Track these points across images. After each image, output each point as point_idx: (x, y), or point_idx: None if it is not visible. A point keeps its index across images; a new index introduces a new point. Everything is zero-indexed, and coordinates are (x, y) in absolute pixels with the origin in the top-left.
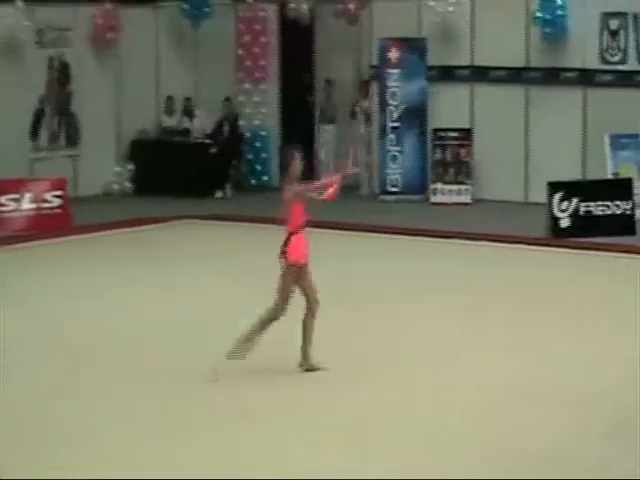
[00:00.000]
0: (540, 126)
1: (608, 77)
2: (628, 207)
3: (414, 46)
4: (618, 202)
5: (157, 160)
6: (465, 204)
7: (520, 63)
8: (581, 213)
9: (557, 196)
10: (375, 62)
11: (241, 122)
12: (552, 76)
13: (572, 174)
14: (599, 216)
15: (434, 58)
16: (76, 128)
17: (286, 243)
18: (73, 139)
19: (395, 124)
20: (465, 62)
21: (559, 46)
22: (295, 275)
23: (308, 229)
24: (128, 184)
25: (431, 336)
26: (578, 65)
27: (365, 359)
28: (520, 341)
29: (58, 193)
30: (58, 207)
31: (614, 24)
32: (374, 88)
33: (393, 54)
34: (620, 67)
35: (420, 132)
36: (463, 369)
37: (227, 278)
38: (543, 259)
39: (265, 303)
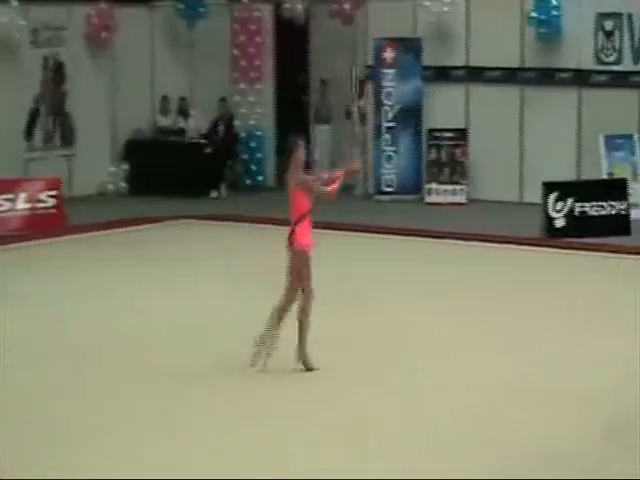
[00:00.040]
0: (535, 126)
1: (603, 77)
2: (623, 207)
3: (409, 46)
4: (613, 202)
5: (152, 160)
6: (460, 204)
7: (515, 63)
8: (576, 213)
9: (552, 196)
10: (370, 62)
11: (236, 122)
12: (547, 76)
13: (567, 174)
14: (594, 216)
15: (429, 58)
16: (71, 128)
17: (293, 230)
18: (68, 139)
19: (390, 124)
20: (460, 62)
21: (554, 46)
22: (304, 260)
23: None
24: (123, 184)
25: (427, 336)
26: (573, 65)
27: (364, 359)
28: (513, 341)
29: (53, 193)
30: (53, 207)
31: (609, 25)
32: (369, 88)
33: (388, 54)
34: (615, 67)
35: (415, 132)
36: (459, 369)
37: (226, 278)
38: (536, 259)
39: (265, 303)
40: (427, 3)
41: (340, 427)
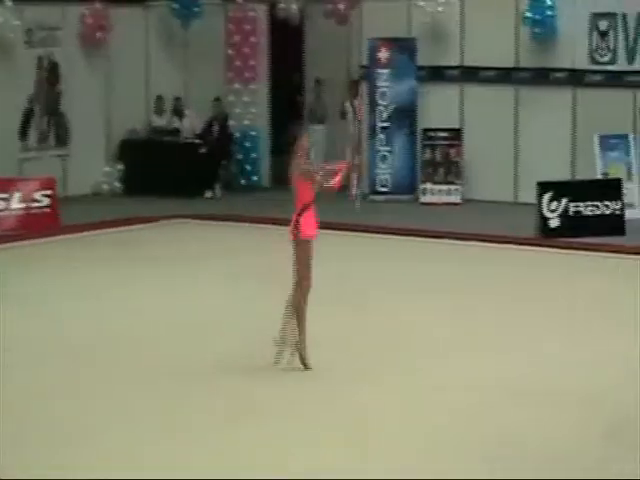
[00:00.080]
0: (530, 126)
1: (597, 77)
2: (617, 207)
3: (404, 46)
4: (607, 202)
5: (146, 160)
6: (455, 204)
7: (510, 63)
8: (570, 213)
9: (546, 196)
10: (365, 62)
11: (231, 122)
12: (542, 76)
13: (561, 174)
14: (588, 216)
15: (424, 58)
16: (65, 128)
17: (297, 219)
18: (62, 139)
19: (385, 124)
20: (455, 62)
21: (549, 46)
22: (309, 249)
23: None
24: (117, 184)
25: (426, 336)
26: (567, 65)
27: (363, 359)
28: (512, 341)
29: (47, 193)
30: (47, 207)
31: (603, 24)
32: (364, 88)
33: (383, 54)
34: (609, 67)
35: (410, 132)
36: (458, 369)
37: (225, 278)
38: (533, 259)
39: (264, 303)
40: (421, 3)
41: (340, 427)
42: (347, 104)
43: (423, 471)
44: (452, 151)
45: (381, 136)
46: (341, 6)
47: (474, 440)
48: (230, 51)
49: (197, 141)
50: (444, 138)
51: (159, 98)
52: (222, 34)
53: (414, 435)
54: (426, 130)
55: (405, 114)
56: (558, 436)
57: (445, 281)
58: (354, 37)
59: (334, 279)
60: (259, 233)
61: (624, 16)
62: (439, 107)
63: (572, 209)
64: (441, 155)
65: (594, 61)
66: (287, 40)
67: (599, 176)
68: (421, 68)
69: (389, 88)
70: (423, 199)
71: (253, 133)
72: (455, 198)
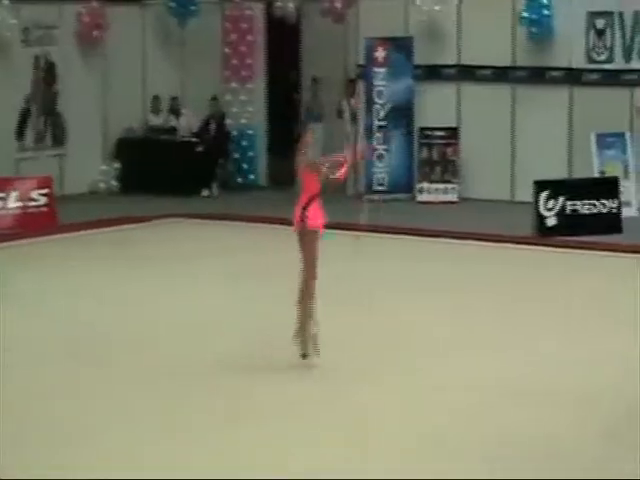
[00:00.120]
0: (526, 125)
1: (594, 76)
2: (614, 205)
3: (401, 45)
4: (604, 201)
5: (143, 159)
6: (451, 203)
7: (506, 62)
8: (567, 212)
9: (543, 195)
10: (362, 61)
11: (228, 121)
12: (538, 75)
13: (558, 173)
14: (585, 215)
15: (421, 57)
16: (62, 128)
17: (304, 210)
18: (59, 139)
19: (381, 123)
20: (452, 61)
21: (545, 45)
22: (316, 240)
23: (290, 228)
24: (114, 182)
25: (425, 336)
26: (564, 64)
27: (363, 359)
28: (511, 340)
29: (44, 191)
30: (44, 206)
31: (600, 23)
32: (361, 87)
33: (380, 53)
34: (606, 66)
35: (406, 131)
36: (458, 368)
37: (223, 277)
38: (530, 258)
39: (264, 301)
40: (418, 2)
41: (340, 427)
42: (344, 103)
43: (423, 471)
44: (449, 150)
45: (378, 135)
46: (338, 4)
47: (474, 440)
48: (227, 50)
49: (194, 140)
50: (441, 137)
51: (156, 98)
52: (219, 33)
53: (414, 435)
54: (423, 129)
55: (402, 113)
56: (558, 436)
57: (443, 280)
58: (351, 36)
59: (335, 279)
60: (256, 232)
61: (621, 14)
62: (436, 106)
63: (569, 207)
64: (438, 154)
65: (591, 60)
66: (284, 38)
67: (596, 174)
68: (418, 67)
69: (386, 87)
70: (420, 198)
71: (250, 132)
72: (452, 197)
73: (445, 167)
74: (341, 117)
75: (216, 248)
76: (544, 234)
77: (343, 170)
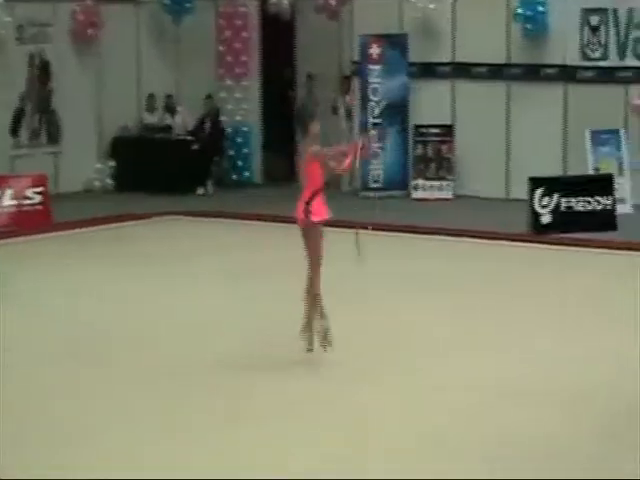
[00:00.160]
0: (521, 122)
1: (589, 73)
2: (609, 202)
3: (395, 42)
4: (599, 198)
5: (138, 157)
6: (446, 200)
7: (501, 59)
8: (562, 209)
9: (538, 192)
10: (356, 58)
11: (223, 118)
12: (533, 72)
13: (553, 170)
14: (580, 212)
15: (415, 54)
16: (57, 126)
17: (308, 205)
18: (54, 137)
19: (376, 120)
20: (446, 58)
21: (540, 42)
22: (319, 233)
23: (286, 225)
24: (109, 181)
25: (425, 335)
26: (559, 61)
27: (363, 359)
28: (509, 339)
29: (39, 190)
30: (39, 204)
31: (594, 20)
32: (355, 84)
33: (374, 50)
34: (601, 63)
35: (401, 128)
36: (457, 368)
37: (219, 275)
38: (525, 255)
39: (263, 300)
40: None
41: (340, 427)
42: (339, 99)
43: (423, 471)
44: (444, 147)
45: (373, 132)
46: (332, 1)
47: (474, 440)
48: (221, 47)
49: (189, 138)
50: (436, 134)
51: (151, 96)
52: (213, 30)
53: (414, 435)
54: (418, 126)
55: (397, 110)
56: (558, 435)
57: (438, 278)
58: (345, 33)
59: (335, 279)
60: (251, 229)
61: (615, 11)
62: (431, 103)
63: (564, 205)
64: (433, 151)
65: (585, 57)
66: (278, 35)
67: (590, 171)
68: (412, 64)
69: (380, 84)
70: (415, 195)
71: (245, 129)
72: (447, 194)
73: (440, 164)
74: (336, 114)
75: (213, 246)
76: (539, 231)
77: (348, 161)
